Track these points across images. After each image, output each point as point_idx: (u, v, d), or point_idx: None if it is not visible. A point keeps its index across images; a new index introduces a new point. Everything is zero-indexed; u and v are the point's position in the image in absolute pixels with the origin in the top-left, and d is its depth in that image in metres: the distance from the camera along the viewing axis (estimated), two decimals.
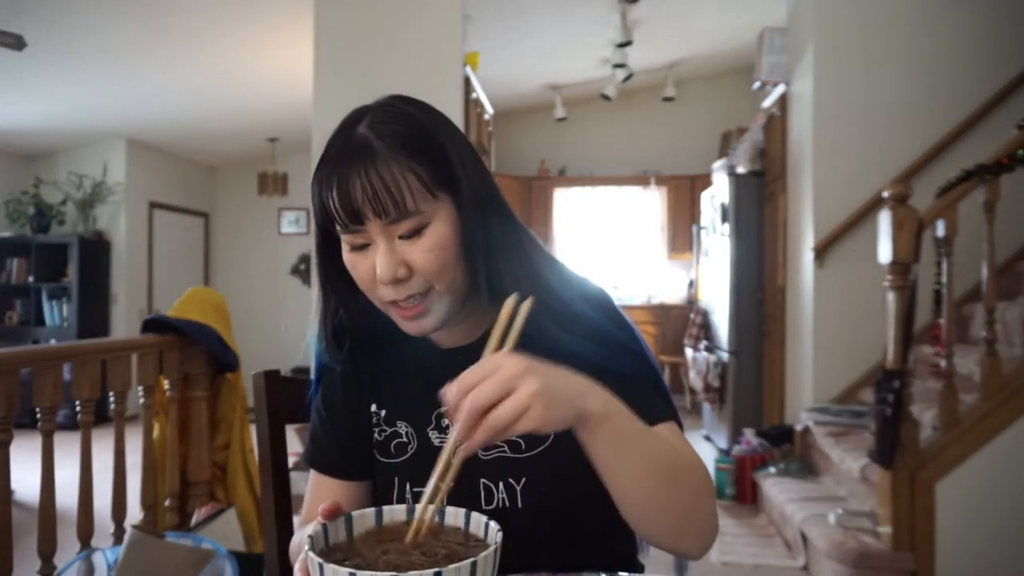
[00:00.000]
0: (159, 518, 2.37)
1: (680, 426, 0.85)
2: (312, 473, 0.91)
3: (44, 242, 6.05)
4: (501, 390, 0.57)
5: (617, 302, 0.89)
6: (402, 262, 0.76)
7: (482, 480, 0.83)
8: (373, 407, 0.89)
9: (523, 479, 0.82)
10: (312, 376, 0.96)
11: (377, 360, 0.90)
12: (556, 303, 0.81)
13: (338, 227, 0.77)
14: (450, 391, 0.58)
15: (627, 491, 0.68)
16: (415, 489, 0.84)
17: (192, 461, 2.53)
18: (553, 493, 0.82)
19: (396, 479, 0.85)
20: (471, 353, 0.86)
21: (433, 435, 0.86)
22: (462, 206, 0.79)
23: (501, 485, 0.82)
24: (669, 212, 6.96)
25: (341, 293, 0.85)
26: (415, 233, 0.76)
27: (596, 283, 0.89)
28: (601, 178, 7.07)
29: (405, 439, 0.87)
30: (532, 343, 0.80)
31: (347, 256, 0.79)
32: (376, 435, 0.89)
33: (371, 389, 0.90)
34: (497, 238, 0.81)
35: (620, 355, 0.83)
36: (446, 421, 0.85)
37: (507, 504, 0.81)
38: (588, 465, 0.76)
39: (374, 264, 0.77)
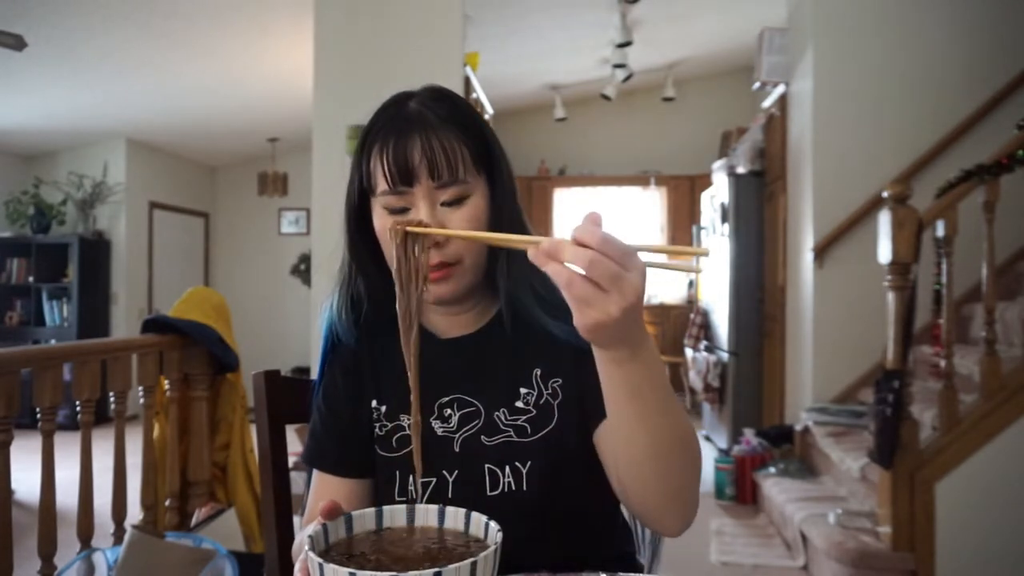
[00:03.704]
0: (159, 518, 2.37)
1: None
2: (314, 472, 0.91)
3: (44, 242, 6.05)
4: (620, 261, 0.56)
5: None
6: (441, 227, 0.80)
7: (487, 465, 0.83)
8: (374, 403, 0.90)
9: (529, 463, 0.83)
10: (320, 352, 0.96)
11: (378, 356, 0.91)
12: (556, 295, 0.82)
13: (384, 188, 0.80)
14: (597, 231, 0.56)
15: (637, 442, 0.69)
16: (422, 480, 0.85)
17: (192, 461, 2.53)
18: (559, 477, 0.83)
19: (398, 473, 0.86)
20: (472, 343, 0.88)
21: (436, 424, 0.86)
22: (497, 187, 0.85)
23: (507, 469, 0.83)
24: (669, 212, 6.96)
25: (364, 268, 0.88)
26: (457, 201, 0.81)
27: None
28: (601, 178, 7.07)
29: (408, 432, 0.87)
30: (531, 328, 0.85)
31: (383, 220, 0.82)
32: (377, 430, 0.89)
33: (372, 385, 0.90)
34: (518, 227, 0.86)
35: None
36: (448, 411, 0.86)
37: (513, 488, 0.82)
38: (593, 450, 0.80)
39: None
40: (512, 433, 0.84)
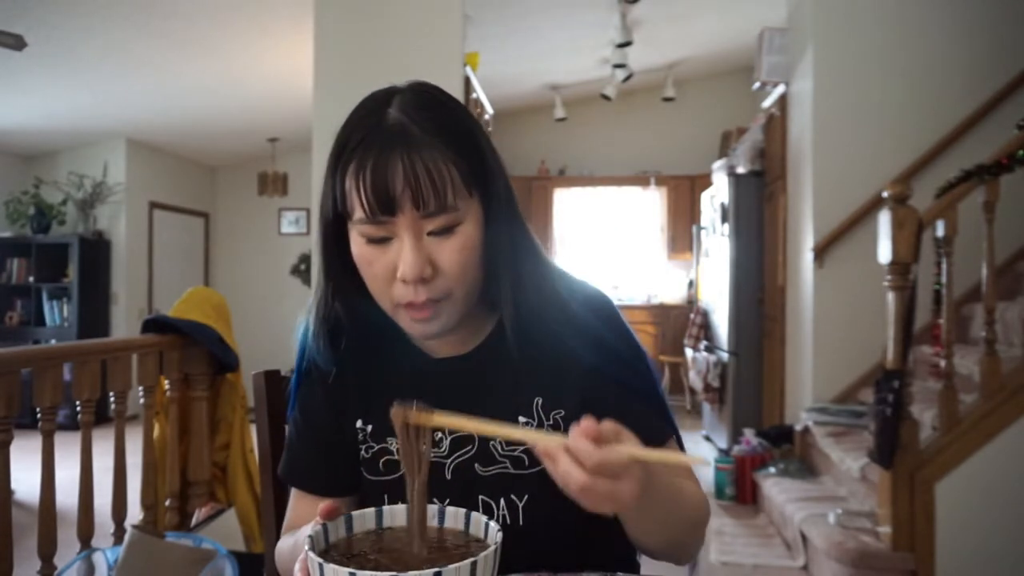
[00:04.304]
0: (159, 518, 2.37)
1: (679, 440, 0.85)
2: (292, 488, 0.88)
3: (44, 242, 6.05)
4: (614, 478, 0.57)
5: (617, 302, 0.88)
6: (428, 260, 0.71)
7: (481, 497, 0.80)
8: (359, 423, 0.84)
9: (526, 496, 0.79)
10: (293, 375, 0.91)
11: (362, 373, 0.84)
12: (564, 311, 0.80)
13: (361, 216, 0.70)
14: (592, 453, 0.56)
15: (641, 537, 0.73)
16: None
17: (192, 461, 2.53)
18: (557, 510, 0.78)
19: (386, 497, 0.82)
20: (465, 364, 0.82)
21: (425, 449, 0.82)
22: (492, 208, 0.75)
23: (502, 502, 0.79)
24: (669, 212, 6.96)
25: (343, 288, 0.79)
26: (445, 231, 0.71)
27: (598, 289, 0.87)
28: (601, 178, 7.07)
29: (396, 457, 0.82)
30: (539, 346, 0.79)
31: (361, 249, 0.73)
32: (363, 452, 0.84)
33: (356, 404, 0.84)
34: (518, 245, 0.79)
35: (621, 367, 0.82)
36: (439, 434, 0.81)
37: (508, 522, 0.79)
38: None
39: (394, 261, 0.71)
40: (508, 464, 0.79)
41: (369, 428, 0.84)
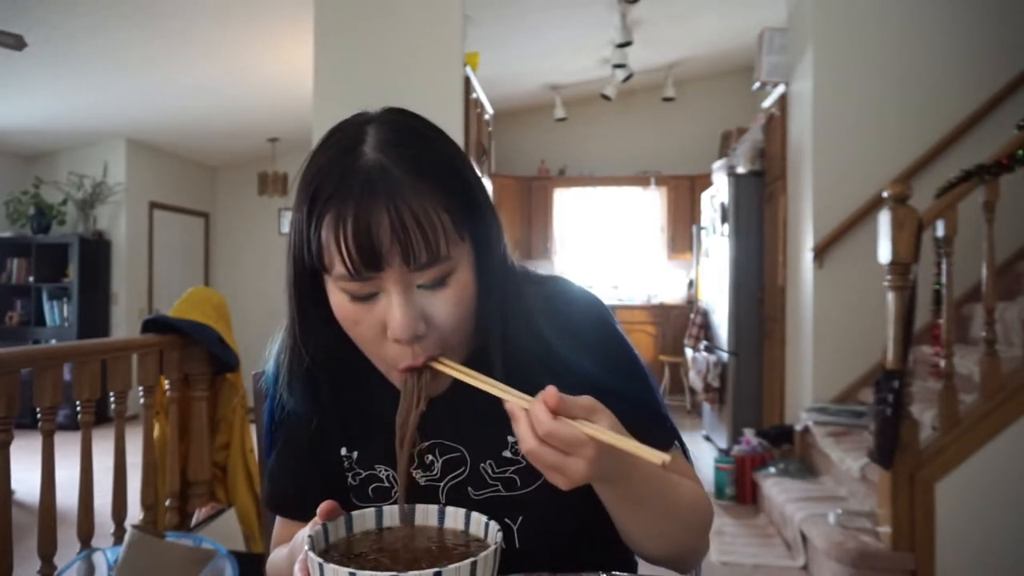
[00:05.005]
0: (159, 518, 2.37)
1: (683, 447, 0.82)
2: (277, 516, 0.86)
3: (44, 242, 6.05)
4: (564, 450, 0.58)
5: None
6: (421, 315, 0.65)
7: None
8: (343, 451, 0.81)
9: (520, 518, 0.77)
10: (265, 413, 0.87)
11: (344, 402, 0.80)
12: (546, 352, 0.75)
13: (342, 273, 0.64)
14: (544, 422, 0.57)
15: (635, 536, 0.71)
16: None
17: (192, 461, 2.53)
18: (552, 531, 0.78)
19: None
20: (452, 387, 0.75)
21: (418, 473, 0.78)
22: (483, 249, 0.70)
23: None
24: (669, 212, 6.96)
25: (321, 340, 0.73)
26: (438, 283, 0.66)
27: (592, 301, 0.82)
28: (601, 178, 7.07)
29: (386, 484, 0.79)
30: (520, 369, 0.73)
31: (345, 308, 0.67)
32: (350, 479, 0.81)
33: (338, 432, 0.81)
34: (507, 281, 0.73)
35: (613, 389, 0.77)
36: (430, 457, 0.78)
37: (504, 545, 0.77)
38: (586, 495, 0.71)
39: (382, 318, 0.65)
40: (500, 487, 0.77)
41: (355, 455, 0.81)
